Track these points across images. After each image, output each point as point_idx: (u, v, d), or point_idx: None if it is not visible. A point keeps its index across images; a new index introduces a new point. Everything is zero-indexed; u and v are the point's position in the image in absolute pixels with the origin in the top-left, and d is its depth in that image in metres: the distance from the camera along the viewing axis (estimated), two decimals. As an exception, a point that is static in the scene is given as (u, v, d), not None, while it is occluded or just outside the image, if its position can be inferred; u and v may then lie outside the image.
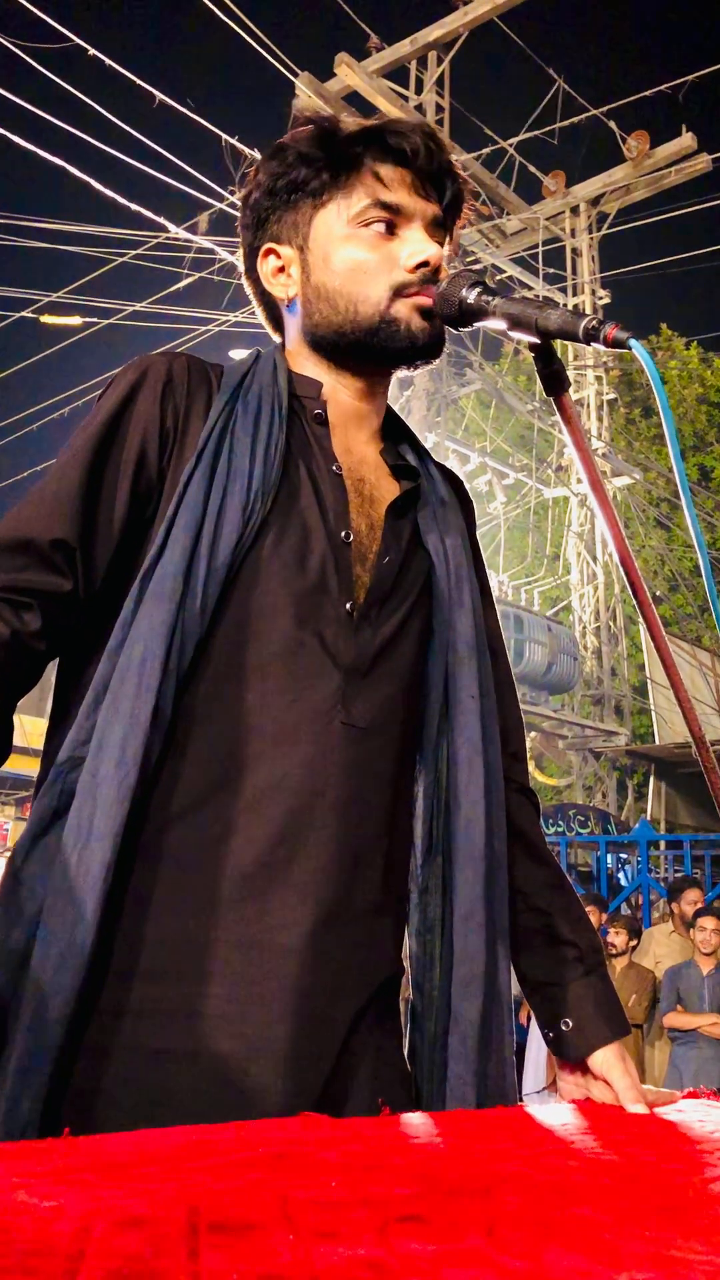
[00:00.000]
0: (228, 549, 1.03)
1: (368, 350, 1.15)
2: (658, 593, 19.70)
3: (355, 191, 1.14)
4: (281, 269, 1.19)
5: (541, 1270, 0.49)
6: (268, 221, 1.19)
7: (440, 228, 1.17)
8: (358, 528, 1.13)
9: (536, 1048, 6.14)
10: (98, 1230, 0.50)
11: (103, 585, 1.05)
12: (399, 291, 1.12)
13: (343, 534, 1.11)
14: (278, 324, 1.26)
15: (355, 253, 1.13)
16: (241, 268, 1.25)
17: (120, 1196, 0.56)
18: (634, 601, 1.06)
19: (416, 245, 1.13)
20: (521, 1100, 1.07)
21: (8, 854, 1.02)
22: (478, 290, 1.09)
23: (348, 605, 1.09)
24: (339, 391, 1.19)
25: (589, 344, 0.99)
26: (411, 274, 1.12)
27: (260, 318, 1.28)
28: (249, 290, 1.27)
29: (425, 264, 1.12)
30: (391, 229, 1.13)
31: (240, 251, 1.24)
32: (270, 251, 1.19)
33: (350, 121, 1.18)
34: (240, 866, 0.98)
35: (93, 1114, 0.91)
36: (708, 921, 6.41)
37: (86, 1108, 0.91)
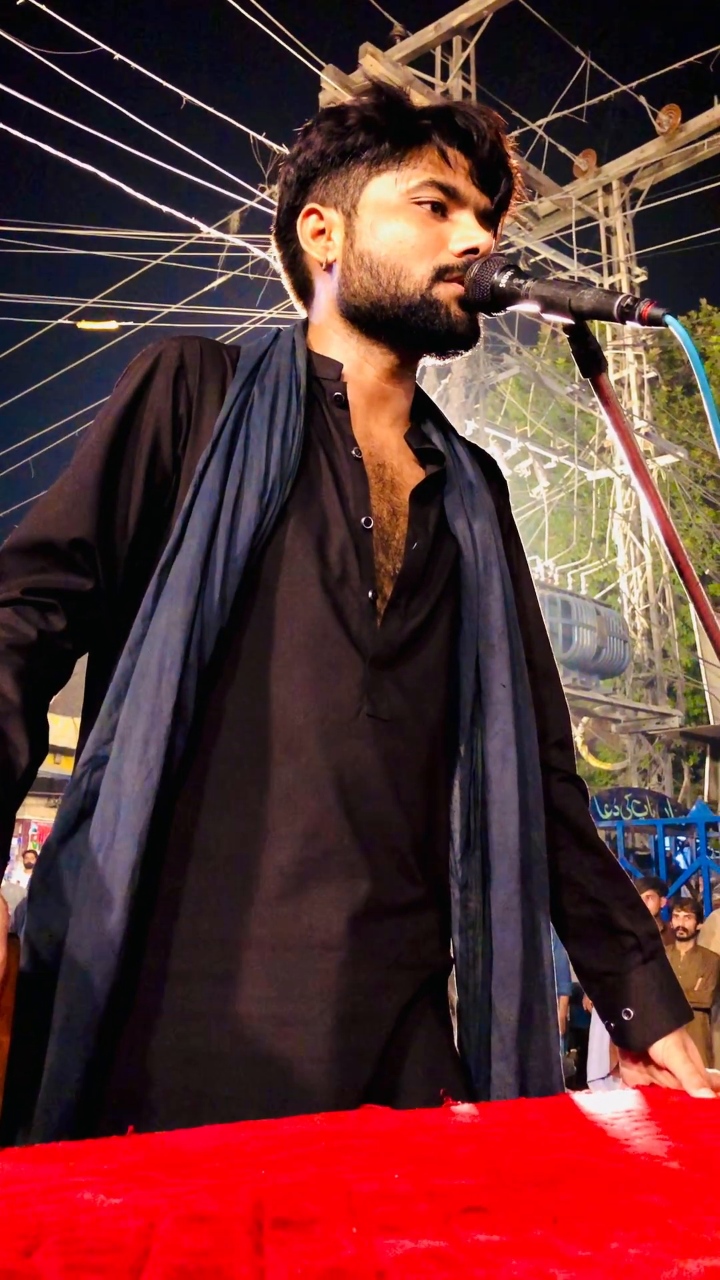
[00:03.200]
0: (246, 539, 1.01)
1: (403, 328, 1.12)
2: (706, 571, 19.46)
3: (415, 166, 1.11)
4: (322, 231, 1.16)
5: (608, 1259, 0.48)
6: (313, 182, 1.16)
7: (488, 220, 1.15)
8: (379, 514, 1.10)
9: (600, 1034, 6.11)
10: (163, 1227, 0.50)
11: (125, 578, 1.04)
12: (442, 274, 1.10)
13: (363, 520, 1.08)
14: (303, 291, 1.22)
15: (405, 226, 1.11)
16: (274, 228, 1.22)
17: (185, 1193, 0.56)
18: (682, 581, 1.04)
19: (468, 230, 1.11)
20: (586, 1086, 1.06)
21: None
22: (509, 274, 1.08)
23: (370, 594, 1.06)
24: (365, 370, 1.16)
25: (624, 322, 0.98)
26: (459, 258, 1.10)
27: (285, 284, 1.25)
28: (277, 254, 1.24)
29: (474, 250, 1.10)
30: (443, 211, 1.11)
31: (277, 210, 1.21)
32: (313, 212, 1.16)
33: (419, 96, 1.16)
34: (275, 864, 0.97)
35: (134, 1117, 0.89)
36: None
37: (127, 1111, 0.90)
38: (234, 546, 1.00)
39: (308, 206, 1.16)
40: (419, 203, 1.11)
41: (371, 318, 1.13)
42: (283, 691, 1.01)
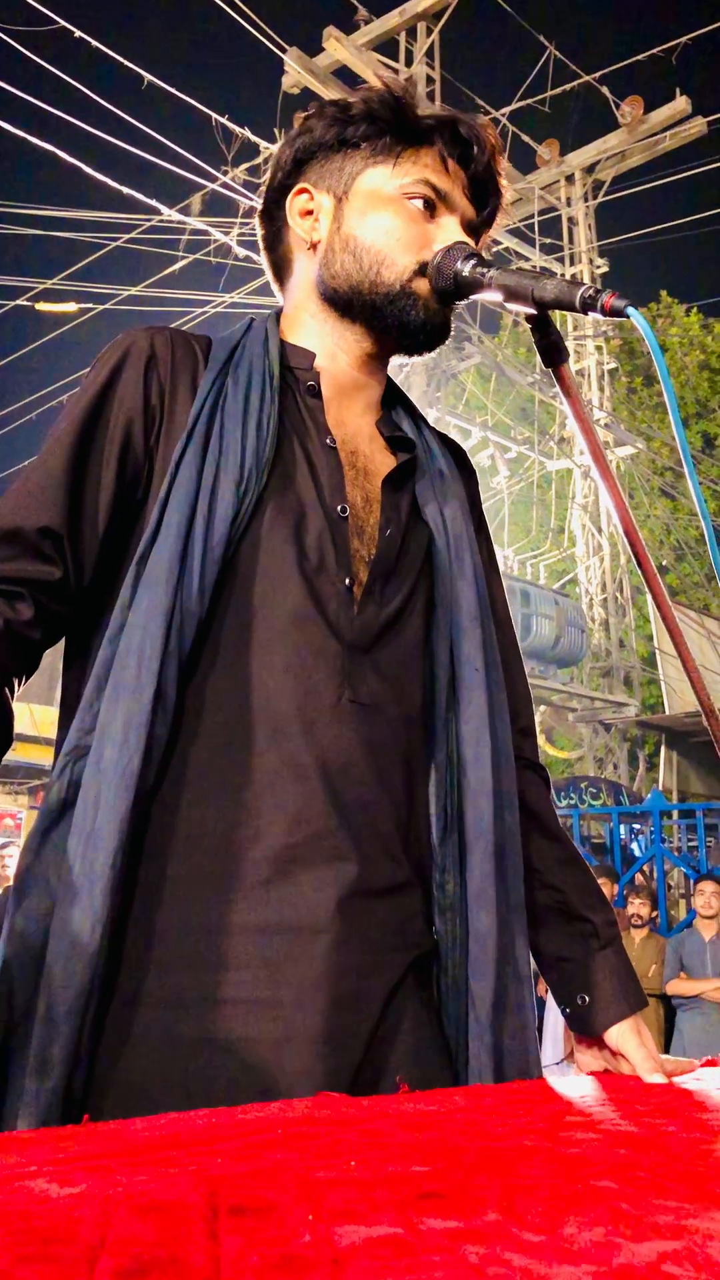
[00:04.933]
0: (223, 528, 1.02)
1: (379, 316, 1.14)
2: (664, 562, 19.66)
3: (413, 163, 1.14)
4: (310, 211, 1.17)
5: (562, 1243, 0.49)
6: (308, 164, 1.18)
7: (473, 232, 1.18)
8: (353, 501, 1.12)
9: (554, 1020, 6.17)
10: (118, 1216, 0.50)
11: (98, 569, 1.04)
12: (423, 269, 1.12)
13: (338, 508, 1.10)
14: (281, 270, 1.23)
15: (395, 218, 1.13)
16: (261, 205, 1.23)
17: (140, 1182, 0.56)
18: (640, 572, 1.05)
19: (453, 233, 1.14)
20: (540, 1073, 1.07)
21: (20, 844, 1.03)
22: (473, 262, 1.10)
23: (346, 581, 1.08)
24: (338, 358, 1.18)
25: (586, 313, 0.98)
26: None
27: (264, 262, 1.26)
28: (259, 233, 1.25)
29: None
30: (432, 212, 1.14)
31: (266, 188, 1.22)
32: (304, 191, 1.18)
33: (424, 100, 1.19)
34: (258, 851, 0.98)
35: (120, 1104, 0.90)
36: (707, 886, 6.44)
37: (113, 1098, 0.91)
38: (211, 535, 1.01)
39: (299, 185, 1.18)
40: (411, 197, 1.13)
41: (349, 302, 1.15)
42: (264, 678, 1.02)
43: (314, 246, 1.17)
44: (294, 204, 1.18)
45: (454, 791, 1.11)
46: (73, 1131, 0.70)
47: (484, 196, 1.19)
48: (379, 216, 1.13)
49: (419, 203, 1.13)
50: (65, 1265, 0.44)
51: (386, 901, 1.03)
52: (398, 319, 1.14)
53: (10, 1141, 0.68)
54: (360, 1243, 0.48)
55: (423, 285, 1.13)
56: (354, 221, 1.14)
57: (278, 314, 1.22)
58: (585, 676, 15.29)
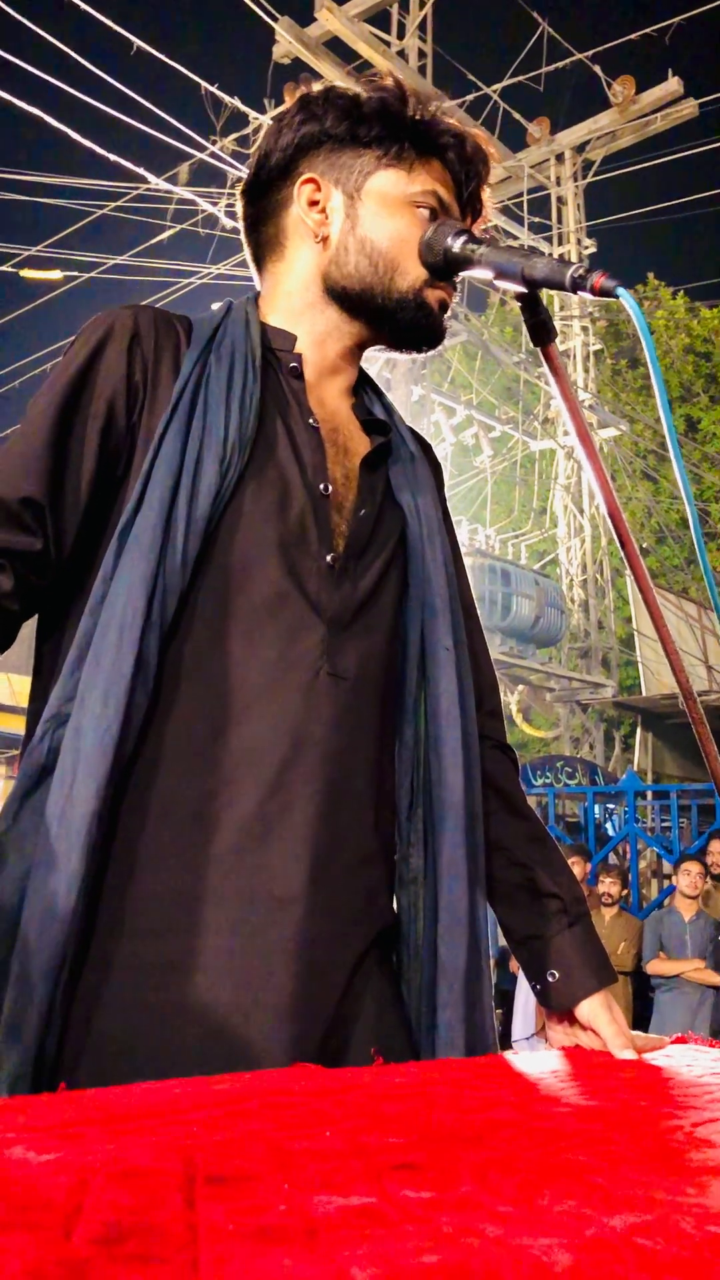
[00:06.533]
0: (206, 502, 1.03)
1: (388, 319, 1.17)
2: (644, 545, 19.73)
3: (423, 173, 1.17)
4: (316, 203, 1.17)
5: (534, 1215, 0.50)
6: (313, 152, 1.18)
7: None
8: (334, 478, 1.13)
9: (525, 995, 6.23)
10: (94, 1183, 0.50)
11: (78, 543, 1.04)
12: (431, 280, 1.15)
13: (321, 486, 1.11)
14: (268, 250, 1.22)
15: (409, 226, 1.15)
16: (250, 183, 1.22)
17: (117, 1149, 0.57)
18: (622, 554, 1.06)
19: None
20: (511, 1047, 1.09)
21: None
22: (463, 239, 1.11)
23: (329, 557, 1.09)
24: (327, 344, 1.19)
25: (575, 293, 0.98)
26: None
27: (244, 240, 1.25)
28: (241, 209, 1.24)
29: None
30: (434, 221, 1.16)
31: (256, 166, 1.21)
32: (312, 181, 1.17)
33: (424, 95, 1.20)
34: (234, 819, 0.99)
35: (92, 1068, 0.91)
36: (691, 866, 6.50)
37: (85, 1062, 0.92)
38: (195, 509, 1.02)
39: (307, 175, 1.17)
40: (419, 206, 1.15)
41: (359, 301, 1.16)
42: (244, 651, 1.03)
43: (324, 240, 1.17)
44: (301, 192, 1.17)
45: (421, 767, 1.13)
46: (50, 1099, 0.70)
47: (475, 211, 1.23)
48: (394, 222, 1.15)
49: (425, 211, 1.16)
50: (42, 1232, 0.44)
51: (355, 874, 1.05)
52: (408, 324, 1.17)
53: (-14, 1109, 0.68)
54: (335, 1212, 0.48)
55: (432, 295, 1.16)
56: (368, 224, 1.15)
57: (255, 297, 1.23)
58: (563, 657, 15.35)
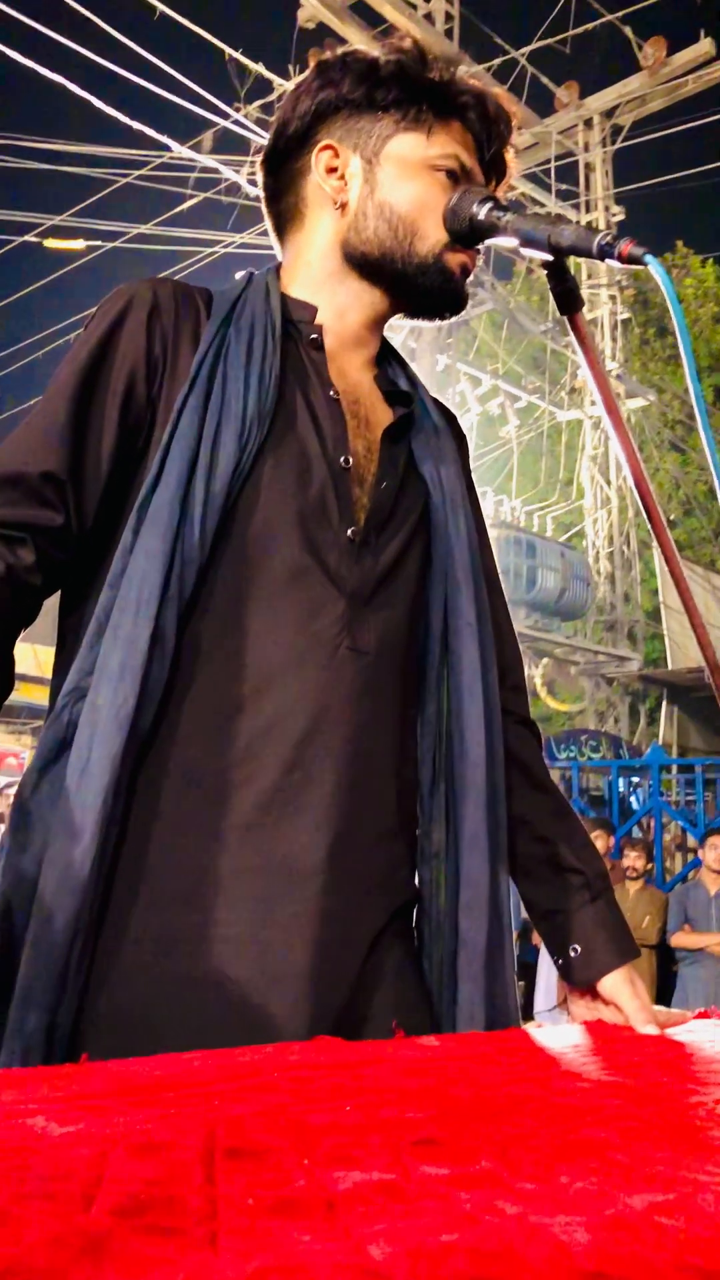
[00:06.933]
0: (225, 476, 1.02)
1: (408, 285, 1.15)
2: (671, 517, 19.57)
3: (443, 135, 1.14)
4: (335, 169, 1.16)
5: (554, 1192, 0.49)
6: (330, 118, 1.16)
7: None
8: (355, 451, 1.12)
9: (547, 969, 6.24)
10: (115, 1155, 0.51)
11: (99, 517, 1.04)
12: (451, 244, 1.13)
13: (341, 459, 1.10)
14: (288, 220, 1.21)
15: (429, 189, 1.13)
16: (269, 151, 1.21)
17: (138, 1122, 0.57)
18: (649, 526, 1.04)
19: None
20: (533, 1020, 1.09)
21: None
22: (489, 206, 1.10)
23: (349, 531, 1.08)
24: (347, 315, 1.17)
25: (603, 260, 0.97)
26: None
27: (265, 210, 1.24)
28: (261, 179, 1.23)
29: None
30: (455, 185, 1.14)
31: (275, 135, 1.20)
32: (330, 148, 1.16)
33: (446, 57, 1.18)
34: (254, 793, 0.99)
35: (111, 1039, 0.92)
36: (717, 840, 6.47)
37: (104, 1033, 0.93)
38: (213, 483, 1.02)
39: (324, 142, 1.16)
40: (439, 169, 1.13)
41: (378, 267, 1.15)
42: (263, 625, 1.02)
43: (342, 207, 1.15)
44: (319, 159, 1.16)
45: (444, 742, 1.13)
46: (71, 1070, 0.71)
47: (499, 172, 1.20)
48: (412, 185, 1.13)
49: (445, 175, 1.13)
50: (62, 1203, 0.45)
51: (375, 848, 1.05)
52: (429, 288, 1.15)
53: (8, 1079, 0.69)
54: (354, 1187, 0.48)
55: (453, 259, 1.14)
56: (388, 188, 1.14)
57: (277, 268, 1.22)
58: (589, 630, 15.29)
